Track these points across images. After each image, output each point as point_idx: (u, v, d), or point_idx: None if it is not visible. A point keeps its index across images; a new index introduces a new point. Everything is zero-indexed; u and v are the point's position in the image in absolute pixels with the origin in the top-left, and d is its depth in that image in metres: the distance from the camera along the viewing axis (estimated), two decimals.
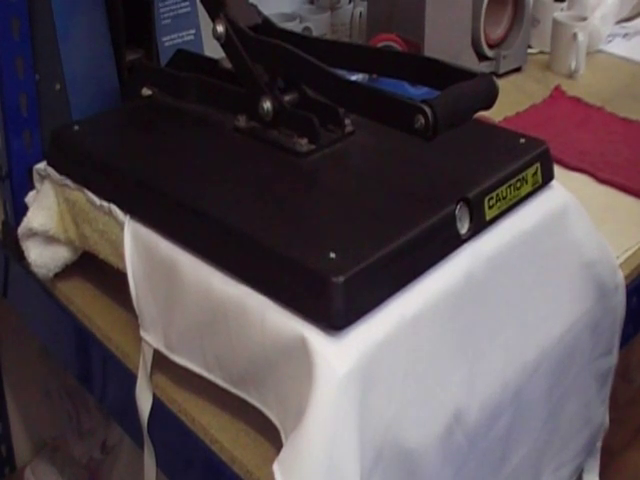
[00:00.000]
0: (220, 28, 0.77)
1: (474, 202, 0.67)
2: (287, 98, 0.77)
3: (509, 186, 0.70)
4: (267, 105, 0.75)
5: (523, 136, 0.77)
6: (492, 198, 0.69)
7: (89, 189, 0.77)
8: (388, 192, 0.69)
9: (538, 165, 0.74)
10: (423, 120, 0.62)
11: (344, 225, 0.64)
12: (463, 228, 0.66)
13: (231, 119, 0.80)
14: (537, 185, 0.74)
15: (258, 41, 0.76)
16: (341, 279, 0.57)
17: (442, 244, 0.65)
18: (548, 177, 0.75)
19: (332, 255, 0.59)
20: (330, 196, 0.70)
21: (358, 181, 0.72)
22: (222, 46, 0.78)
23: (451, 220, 0.65)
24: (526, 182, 0.72)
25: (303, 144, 0.74)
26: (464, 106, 0.64)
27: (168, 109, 0.86)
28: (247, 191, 0.70)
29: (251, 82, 0.76)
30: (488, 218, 0.69)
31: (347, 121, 0.77)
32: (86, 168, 0.78)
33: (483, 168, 0.71)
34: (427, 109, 0.62)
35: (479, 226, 0.68)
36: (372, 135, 0.77)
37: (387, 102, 0.66)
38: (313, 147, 0.74)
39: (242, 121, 0.79)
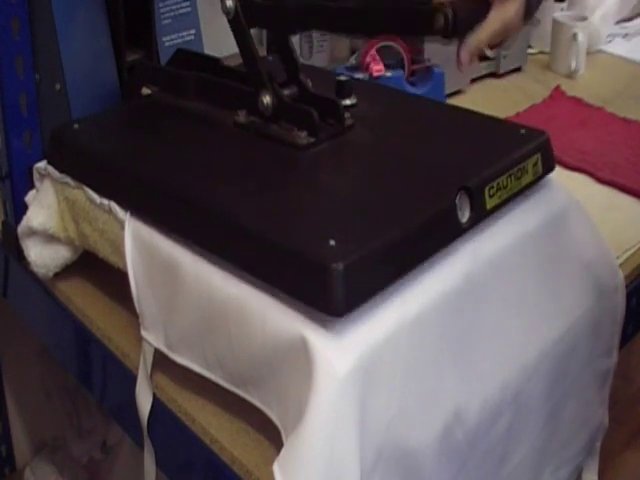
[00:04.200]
0: (229, 2, 0.76)
1: (474, 191, 0.67)
2: (286, 93, 0.77)
3: (510, 175, 0.70)
4: (267, 99, 0.75)
5: (523, 127, 0.77)
6: (493, 187, 0.69)
7: (89, 186, 0.77)
8: (388, 182, 0.69)
9: (539, 155, 0.74)
10: (442, 20, 0.65)
11: (344, 214, 0.64)
12: (464, 217, 0.66)
13: (231, 115, 0.80)
14: (538, 175, 0.74)
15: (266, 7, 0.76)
16: (341, 266, 0.56)
17: (443, 233, 0.65)
18: (549, 167, 0.75)
19: (332, 243, 0.59)
20: (330, 187, 0.70)
21: (358, 172, 0.72)
22: (229, 22, 0.77)
23: (451, 209, 0.65)
24: (527, 172, 0.72)
25: (303, 137, 0.74)
26: (482, 8, 0.66)
27: (168, 107, 0.86)
28: (246, 183, 0.70)
29: (253, 61, 0.76)
30: (489, 207, 0.68)
31: (347, 115, 0.77)
32: (86, 165, 0.78)
33: (484, 158, 0.71)
34: (447, 9, 0.65)
35: (480, 215, 0.68)
36: (372, 128, 0.77)
37: (406, 10, 0.68)
38: (313, 140, 0.74)
39: (242, 116, 0.79)
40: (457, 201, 0.65)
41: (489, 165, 0.70)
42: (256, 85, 0.76)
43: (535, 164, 0.73)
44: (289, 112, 0.75)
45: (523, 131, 0.76)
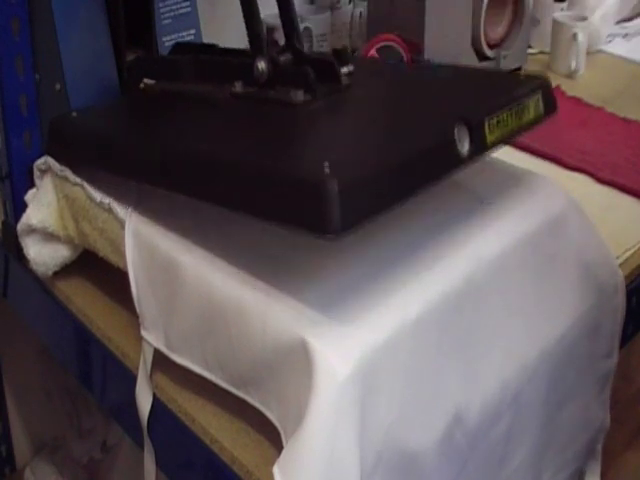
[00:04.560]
0: None
1: (474, 123, 0.67)
2: (282, 59, 0.77)
3: (510, 111, 0.70)
4: (262, 65, 0.75)
5: (524, 74, 0.78)
6: (492, 120, 0.68)
7: (89, 165, 0.77)
8: (386, 123, 0.70)
9: (539, 95, 0.74)
10: None
11: (340, 147, 0.65)
12: (463, 148, 0.66)
13: (228, 90, 0.80)
14: (539, 115, 0.74)
15: None
16: (335, 183, 0.56)
17: (441, 163, 0.64)
18: (550, 109, 0.75)
19: (327, 165, 0.58)
20: (327, 130, 0.70)
21: (355, 120, 0.72)
22: None
23: (450, 140, 0.65)
24: (528, 111, 0.72)
25: (299, 95, 0.74)
26: None
27: (167, 92, 0.86)
28: (244, 137, 0.70)
29: (253, 21, 0.76)
30: (489, 141, 0.68)
31: (344, 74, 0.77)
32: (85, 146, 0.79)
33: (483, 95, 0.72)
34: None
35: (480, 148, 0.67)
36: (370, 87, 0.77)
37: None
38: (309, 98, 0.74)
39: (238, 87, 0.79)
40: (456, 132, 0.65)
41: (488, 100, 0.70)
42: (254, 46, 0.76)
43: (536, 104, 0.73)
44: (284, 75, 0.75)
45: (523, 75, 0.77)
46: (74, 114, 0.82)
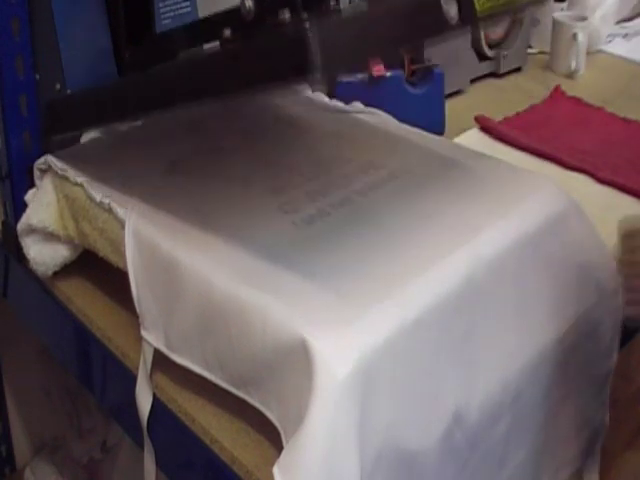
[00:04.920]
0: None
1: None
2: None
3: None
4: (249, 2, 0.75)
5: None
6: None
7: (90, 126, 0.79)
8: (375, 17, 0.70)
9: None
10: None
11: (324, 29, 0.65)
12: (449, 13, 0.64)
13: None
14: None
15: None
16: (315, 30, 0.56)
17: (427, 25, 0.64)
18: None
19: (308, 26, 0.58)
20: (316, 29, 0.71)
21: (345, 22, 0.72)
22: None
23: (435, 3, 0.64)
24: None
25: (286, 13, 0.73)
26: None
27: (162, 66, 0.87)
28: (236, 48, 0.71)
29: None
30: (479, 10, 0.67)
31: (335, 5, 0.77)
32: (82, 103, 0.80)
33: None
34: None
35: (469, 17, 0.66)
36: (362, 9, 0.78)
37: None
38: (297, 18, 0.74)
39: (227, 33, 0.79)
40: None
41: None
42: None
43: None
44: (271, 8, 0.75)
45: None
46: (68, 91, 0.83)
